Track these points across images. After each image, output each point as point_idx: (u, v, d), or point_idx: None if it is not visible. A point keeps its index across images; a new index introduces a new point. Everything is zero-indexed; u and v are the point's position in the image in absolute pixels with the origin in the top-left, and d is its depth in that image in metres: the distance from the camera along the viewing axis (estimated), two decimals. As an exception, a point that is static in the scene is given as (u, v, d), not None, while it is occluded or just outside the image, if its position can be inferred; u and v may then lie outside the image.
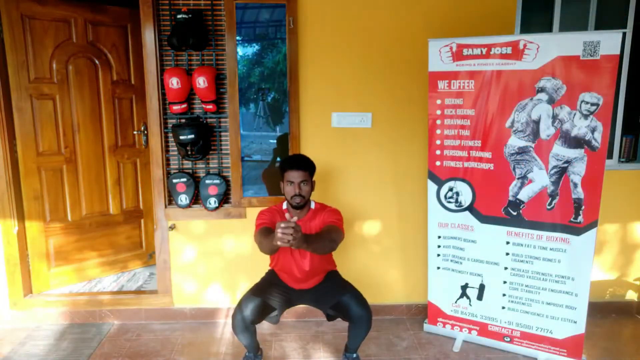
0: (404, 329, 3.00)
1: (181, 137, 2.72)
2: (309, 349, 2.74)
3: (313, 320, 3.05)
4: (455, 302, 2.88)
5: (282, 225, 1.90)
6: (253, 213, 2.85)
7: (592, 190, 2.44)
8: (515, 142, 2.57)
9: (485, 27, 2.79)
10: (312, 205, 2.44)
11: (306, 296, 2.51)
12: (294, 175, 2.32)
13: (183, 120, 2.85)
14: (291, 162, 2.36)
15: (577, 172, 2.46)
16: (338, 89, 2.89)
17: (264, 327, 2.84)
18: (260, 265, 2.64)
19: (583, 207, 2.47)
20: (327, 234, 2.24)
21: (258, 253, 2.35)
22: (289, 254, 2.40)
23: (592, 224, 2.46)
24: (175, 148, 2.89)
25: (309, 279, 2.46)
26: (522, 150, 2.56)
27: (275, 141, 3.01)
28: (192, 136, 2.73)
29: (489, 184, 2.67)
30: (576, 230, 2.50)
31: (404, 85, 2.89)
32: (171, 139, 2.90)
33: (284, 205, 2.45)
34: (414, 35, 2.84)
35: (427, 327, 2.98)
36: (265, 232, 2.24)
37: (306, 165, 2.36)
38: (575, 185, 2.48)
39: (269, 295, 2.41)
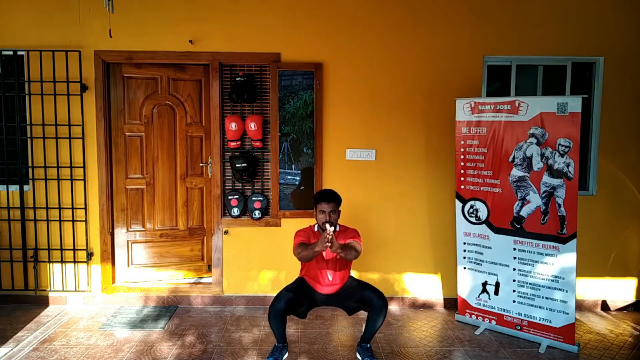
0: (438, 317, 3.74)
1: (237, 165, 3.74)
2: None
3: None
4: (478, 297, 3.50)
5: (328, 228, 2.55)
6: (286, 222, 3.84)
7: (570, 209, 3.09)
8: (516, 172, 3.27)
9: (460, 92, 3.72)
10: (337, 228, 3.04)
11: (331, 298, 3.03)
12: (326, 206, 2.92)
13: (237, 153, 3.87)
14: (323, 196, 2.95)
15: (560, 195, 3.11)
16: (350, 131, 3.86)
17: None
18: (289, 262, 3.50)
19: (566, 222, 3.11)
20: (353, 246, 2.87)
21: (290, 254, 3.24)
22: (317, 265, 2.97)
23: (573, 235, 3.09)
24: (230, 173, 3.89)
25: (333, 285, 3.03)
26: (521, 179, 3.25)
27: (299, 172, 3.91)
28: (245, 164, 3.74)
29: (499, 204, 3.37)
30: (562, 239, 3.12)
31: (401, 128, 3.86)
32: (227, 167, 3.91)
33: (315, 228, 3.06)
34: (407, 94, 3.84)
35: (458, 316, 3.63)
36: (303, 246, 2.86)
37: (335, 199, 2.95)
38: (559, 205, 3.11)
39: (299, 294, 2.92)
